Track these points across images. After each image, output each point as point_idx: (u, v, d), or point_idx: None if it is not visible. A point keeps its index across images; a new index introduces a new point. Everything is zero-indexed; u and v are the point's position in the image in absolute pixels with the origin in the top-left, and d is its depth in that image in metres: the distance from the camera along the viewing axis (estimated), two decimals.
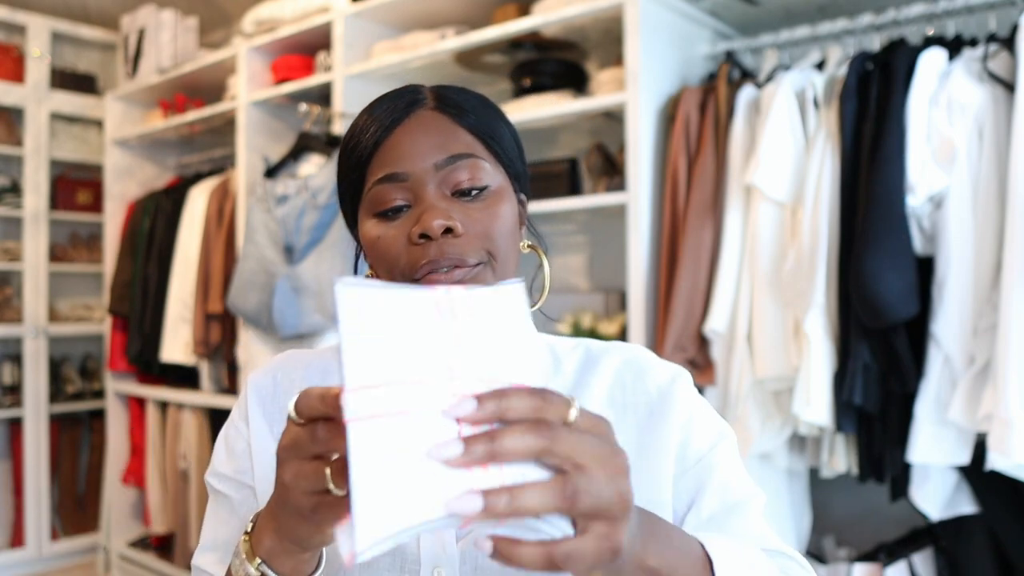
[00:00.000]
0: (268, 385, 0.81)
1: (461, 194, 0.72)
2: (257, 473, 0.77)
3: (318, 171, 2.46)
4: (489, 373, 0.46)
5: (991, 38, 1.73)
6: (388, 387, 0.43)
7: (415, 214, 0.71)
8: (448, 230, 0.69)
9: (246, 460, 0.78)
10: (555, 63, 2.35)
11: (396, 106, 0.74)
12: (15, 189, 3.68)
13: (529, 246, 0.81)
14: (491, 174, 0.73)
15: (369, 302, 0.45)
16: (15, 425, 3.63)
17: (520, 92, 2.36)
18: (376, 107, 0.75)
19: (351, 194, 0.76)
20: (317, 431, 0.49)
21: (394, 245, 0.71)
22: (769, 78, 2.00)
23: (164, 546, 3.31)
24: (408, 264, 0.70)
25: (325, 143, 2.51)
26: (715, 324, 1.90)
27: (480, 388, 0.45)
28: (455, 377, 0.45)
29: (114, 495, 3.51)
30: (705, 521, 0.72)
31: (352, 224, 0.79)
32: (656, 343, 1.99)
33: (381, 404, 0.43)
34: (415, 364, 0.45)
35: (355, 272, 0.84)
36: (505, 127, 0.77)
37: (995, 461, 1.58)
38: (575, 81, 2.36)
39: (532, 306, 0.81)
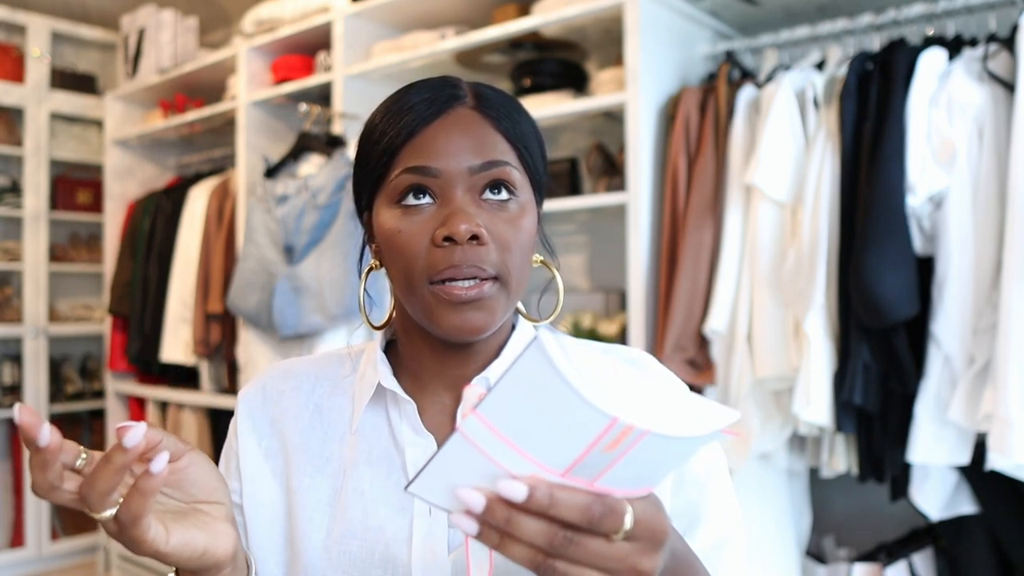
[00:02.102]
0: (257, 397, 0.80)
1: (489, 201, 0.70)
2: (245, 486, 0.77)
3: (318, 171, 2.46)
4: (601, 486, 0.48)
5: (991, 38, 1.73)
6: (506, 446, 0.46)
7: (441, 214, 0.69)
8: (474, 236, 0.68)
9: (235, 479, 0.78)
10: (555, 63, 2.35)
11: (436, 98, 0.71)
12: (15, 189, 3.68)
13: (541, 261, 0.79)
14: (520, 184, 0.72)
15: (550, 380, 0.43)
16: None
17: (520, 92, 2.36)
18: (413, 94, 0.72)
19: (372, 178, 0.73)
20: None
21: (414, 243, 0.69)
22: (769, 78, 2.01)
23: None
24: (427, 266, 0.69)
25: (325, 143, 2.51)
26: (715, 324, 1.90)
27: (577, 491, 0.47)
28: (566, 477, 0.47)
29: None
30: (696, 553, 0.73)
31: (363, 208, 0.77)
32: (656, 343, 1.99)
33: (490, 448, 0.46)
34: (543, 451, 0.46)
35: (359, 266, 0.82)
36: (535, 135, 0.76)
37: (995, 461, 1.58)
38: (575, 81, 2.36)
39: (544, 320, 0.80)
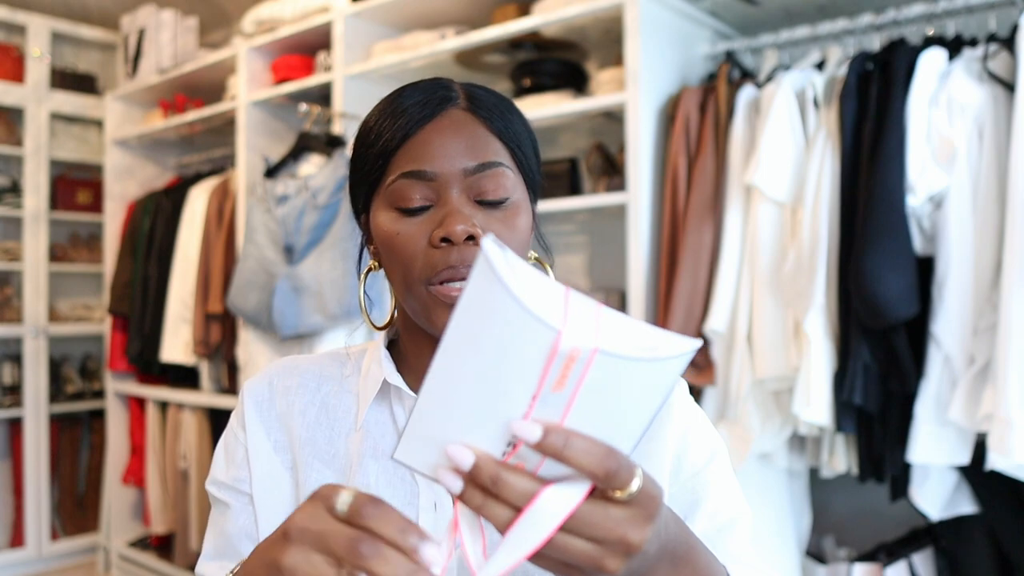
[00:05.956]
0: (264, 391, 0.81)
1: (484, 202, 0.71)
2: (255, 477, 0.78)
3: (318, 171, 2.46)
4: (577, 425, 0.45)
5: (991, 38, 1.73)
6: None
7: (437, 216, 0.70)
8: (470, 237, 0.68)
9: (244, 468, 0.78)
10: (555, 63, 2.35)
11: (429, 100, 0.72)
12: (15, 189, 3.68)
13: (535, 258, 0.80)
14: (514, 184, 0.73)
15: (498, 297, 0.41)
16: (15, 425, 3.63)
17: (520, 92, 2.36)
18: (406, 97, 0.73)
19: (368, 182, 0.74)
20: (359, 543, 0.45)
21: (412, 244, 0.70)
22: (769, 78, 2.00)
23: (164, 546, 3.31)
24: (425, 266, 0.70)
25: (325, 143, 2.51)
26: (715, 324, 1.90)
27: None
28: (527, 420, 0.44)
29: (114, 495, 3.51)
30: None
31: (360, 211, 0.78)
32: None
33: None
34: (500, 388, 0.44)
35: (359, 266, 0.83)
36: (528, 134, 0.77)
37: (995, 461, 1.58)
38: (575, 81, 2.36)
39: None
